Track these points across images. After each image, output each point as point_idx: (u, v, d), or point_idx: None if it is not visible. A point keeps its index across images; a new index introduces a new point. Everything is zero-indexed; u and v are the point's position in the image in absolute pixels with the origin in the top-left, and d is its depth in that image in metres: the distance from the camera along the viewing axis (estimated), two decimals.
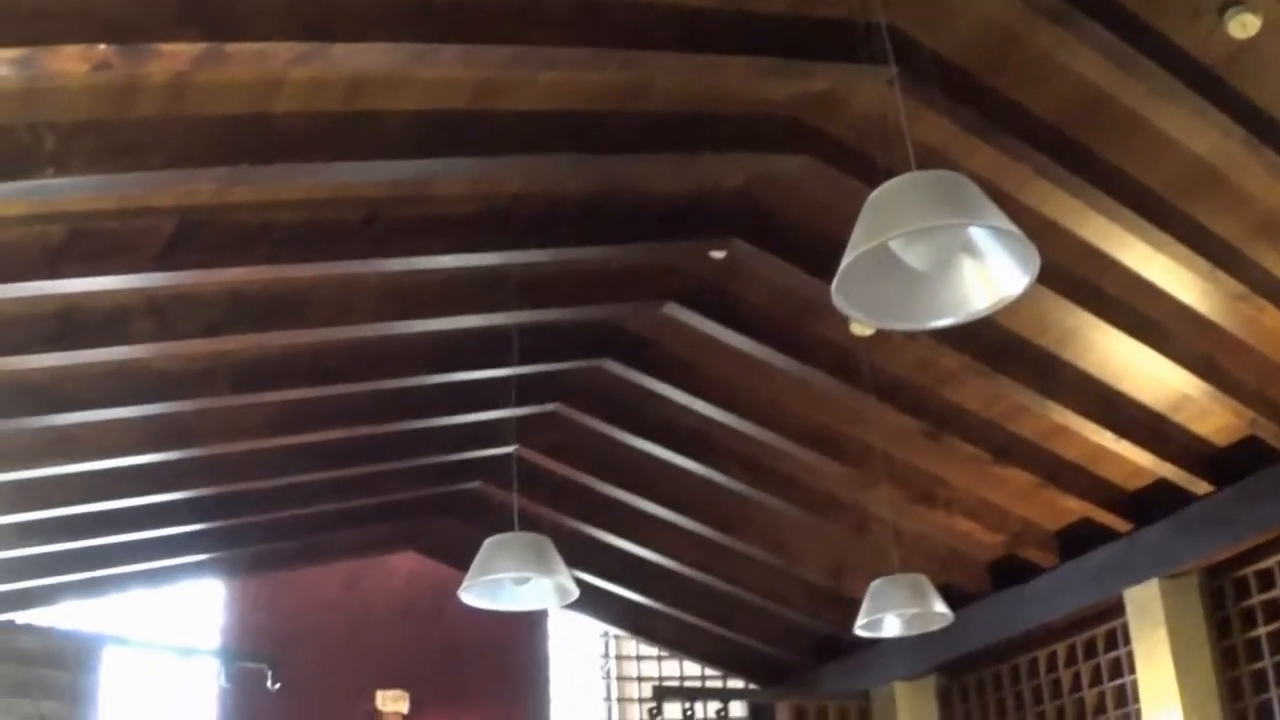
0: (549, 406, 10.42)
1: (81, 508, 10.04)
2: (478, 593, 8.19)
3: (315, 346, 8.72)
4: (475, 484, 12.00)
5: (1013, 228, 4.08)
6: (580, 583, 8.43)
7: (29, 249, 6.66)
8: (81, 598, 12.27)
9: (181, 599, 13.59)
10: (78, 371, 8.10)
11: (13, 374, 7.86)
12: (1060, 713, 11.54)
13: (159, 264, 6.94)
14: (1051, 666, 11.68)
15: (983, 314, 4.43)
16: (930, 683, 13.05)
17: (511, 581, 8.22)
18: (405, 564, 13.79)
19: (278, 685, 12.71)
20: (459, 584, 8.32)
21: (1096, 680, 11.24)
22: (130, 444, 9.28)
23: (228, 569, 13.07)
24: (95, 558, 11.20)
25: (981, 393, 9.35)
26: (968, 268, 4.35)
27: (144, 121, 5.99)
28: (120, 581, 12.15)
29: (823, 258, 6.07)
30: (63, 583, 11.51)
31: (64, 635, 12.47)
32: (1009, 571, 11.43)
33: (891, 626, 9.15)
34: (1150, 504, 10.14)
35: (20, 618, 12.01)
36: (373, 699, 13.29)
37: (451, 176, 7.16)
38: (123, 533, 10.83)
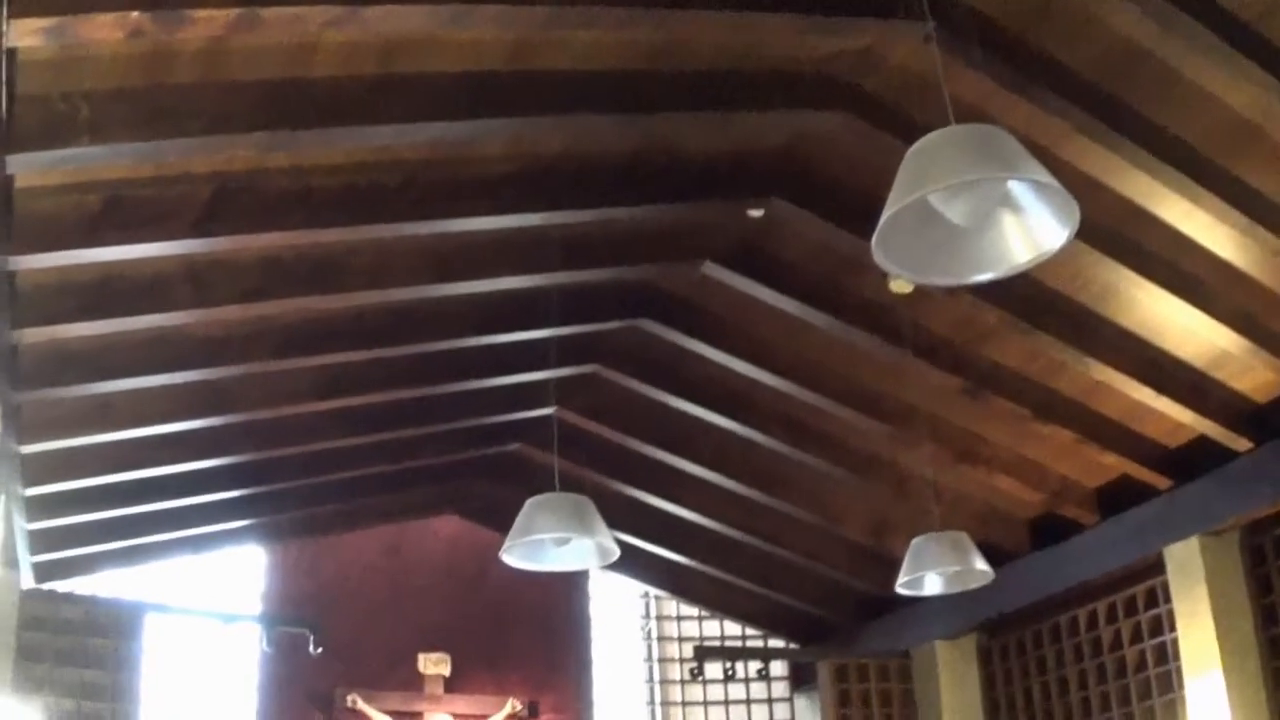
0: (588, 368, 10.42)
1: (122, 475, 10.07)
2: (519, 554, 8.21)
3: (354, 310, 8.74)
4: (515, 446, 12.02)
5: (1052, 181, 4.06)
6: (621, 544, 8.44)
7: (67, 218, 6.68)
8: (123, 566, 12.32)
9: (223, 565, 13.66)
10: (117, 339, 8.12)
11: (53, 342, 7.88)
12: (1100, 670, 11.53)
13: (197, 231, 6.96)
14: (1091, 624, 11.65)
15: (1023, 268, 4.42)
16: (971, 641, 13.05)
17: (552, 542, 8.24)
18: (446, 527, 13.82)
19: (320, 649, 12.76)
20: (500, 546, 8.35)
21: (1136, 638, 11.22)
22: (170, 411, 9.31)
23: (269, 534, 13.11)
24: (137, 525, 11.24)
25: (1021, 350, 9.32)
26: (1007, 222, 4.33)
27: (179, 88, 6.00)
28: (162, 549, 12.20)
29: (861, 215, 6.05)
30: (104, 551, 11.56)
31: (106, 604, 12.53)
32: (1049, 529, 11.40)
33: (932, 584, 9.14)
34: (1190, 461, 10.08)
35: (62, 587, 12.09)
36: (415, 662, 13.34)
37: (489, 138, 7.15)
38: (164, 500, 10.87)
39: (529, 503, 8.04)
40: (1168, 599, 10.59)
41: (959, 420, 10.25)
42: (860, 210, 6.77)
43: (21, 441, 8.66)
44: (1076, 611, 11.75)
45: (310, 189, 7.11)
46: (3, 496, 4.11)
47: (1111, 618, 11.45)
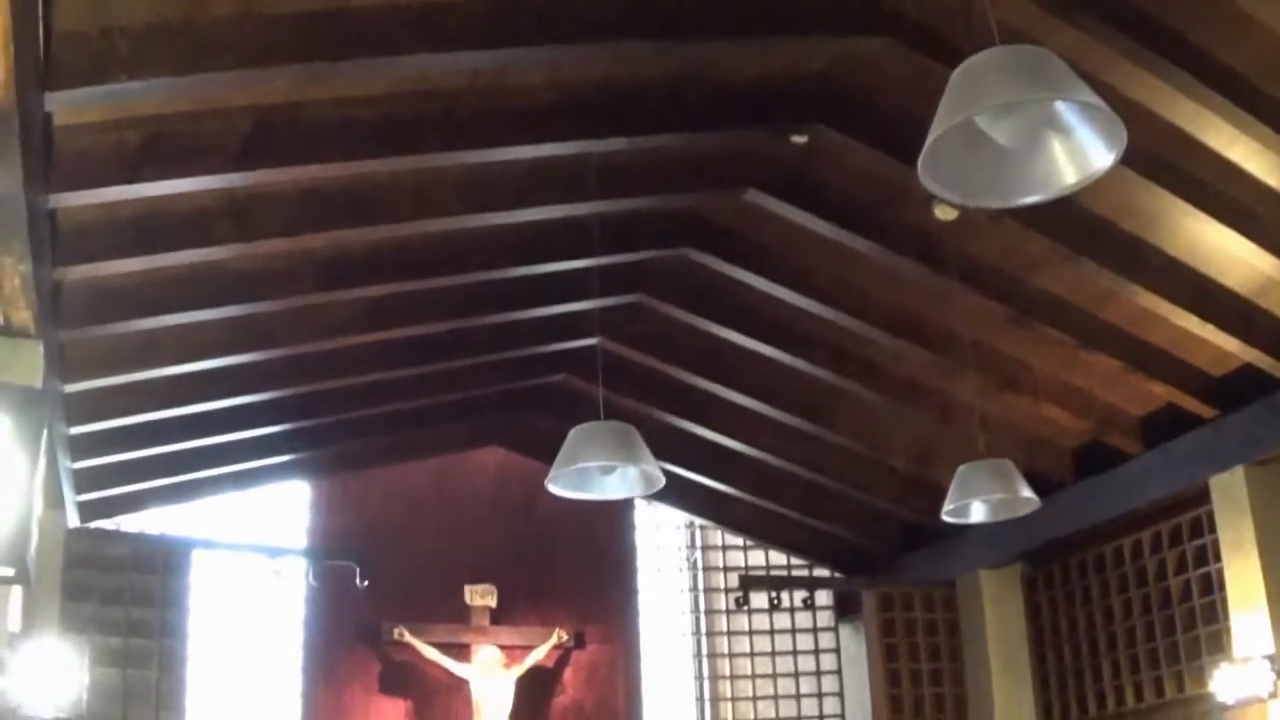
0: (631, 297, 10.39)
1: (166, 412, 10.10)
2: (564, 482, 8.20)
3: (396, 242, 8.72)
4: (560, 377, 12.01)
5: (1099, 102, 4.01)
6: (666, 474, 8.42)
7: (106, 155, 6.66)
8: (168, 503, 12.38)
9: (269, 501, 13.72)
10: (159, 275, 8.12)
11: (94, 280, 7.88)
12: (1145, 601, 11.50)
13: (237, 165, 6.95)
14: (1136, 554, 11.62)
15: (1070, 190, 4.36)
16: (1015, 571, 13.04)
17: (598, 471, 8.23)
18: (492, 459, 13.83)
19: (366, 583, 12.81)
20: (545, 478, 8.34)
21: (1181, 568, 11.18)
22: (213, 346, 9.32)
23: (314, 469, 13.15)
24: (181, 462, 11.28)
25: (1067, 277, 9.25)
26: (1054, 144, 4.27)
27: (217, 22, 5.96)
28: (207, 485, 12.24)
29: (905, 141, 5.99)
30: (149, 489, 11.60)
31: (152, 541, 12.61)
32: (1094, 458, 11.35)
33: (978, 512, 9.10)
34: (1236, 390, 10.01)
35: (108, 525, 12.15)
36: (461, 594, 13.38)
37: (529, 67, 7.11)
38: (208, 436, 10.90)
39: (574, 431, 8.02)
40: (1213, 529, 10.55)
41: (1004, 348, 10.19)
42: (904, 136, 6.71)
43: (65, 380, 8.67)
44: (1121, 541, 11.72)
45: (350, 121, 7.09)
46: (46, 435, 4.11)
47: (1156, 548, 11.41)
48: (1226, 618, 10.32)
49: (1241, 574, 10.06)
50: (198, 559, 12.79)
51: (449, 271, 9.13)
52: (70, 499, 10.79)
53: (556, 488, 8.21)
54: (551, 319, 10.53)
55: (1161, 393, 10.19)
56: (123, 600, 11.91)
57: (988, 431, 9.94)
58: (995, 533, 11.40)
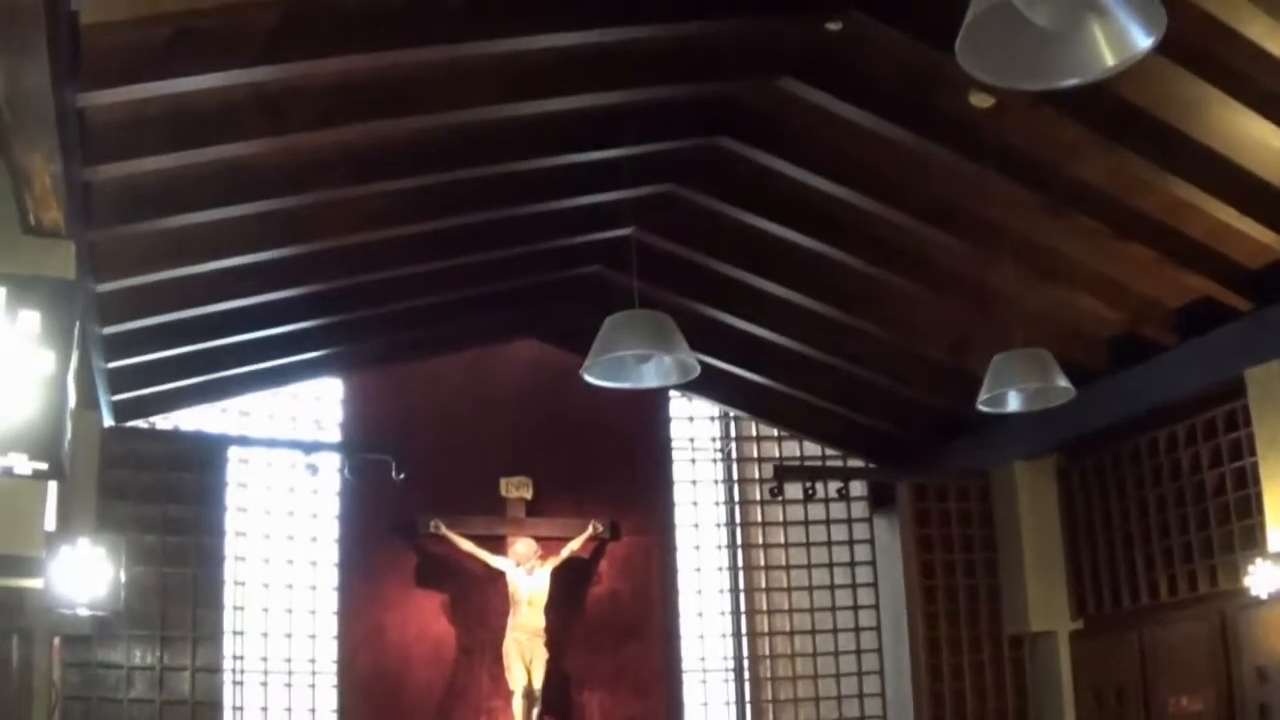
0: (665, 187, 10.36)
1: (199, 309, 10.14)
2: (599, 372, 8.21)
3: (427, 133, 8.68)
4: (594, 268, 11.99)
5: None
6: (700, 364, 8.42)
7: (134, 51, 6.63)
8: (203, 401, 12.45)
9: (303, 396, 13.77)
10: (190, 172, 8.10)
11: (125, 179, 7.86)
12: (1179, 494, 11.46)
13: (266, 58, 6.92)
14: (1171, 447, 11.57)
15: (1110, 72, 4.30)
16: (1050, 463, 13.03)
17: (633, 359, 8.23)
18: (526, 351, 13.84)
19: (401, 476, 12.86)
20: (580, 369, 8.35)
21: (1215, 462, 11.13)
22: (245, 242, 9.33)
23: (348, 364, 13.19)
24: (215, 360, 11.33)
25: (1104, 167, 9.15)
26: (1093, 26, 4.21)
27: None
28: (241, 382, 12.31)
29: (942, 27, 5.89)
30: (183, 387, 11.67)
31: (187, 438, 12.69)
32: (1129, 350, 11.28)
33: (1013, 402, 9.10)
34: (1273, 282, 9.91)
35: (143, 424, 12.20)
36: (497, 486, 13.44)
37: None
38: (241, 333, 10.94)
39: (609, 320, 8.02)
40: (1248, 422, 10.48)
41: (1040, 237, 10.11)
42: (941, 22, 6.58)
43: (97, 280, 8.68)
44: (1156, 434, 11.67)
45: (376, 9, 7.04)
46: (79, 331, 4.12)
47: (1191, 441, 11.37)
48: (1260, 512, 10.27)
49: (1276, 468, 10.01)
50: (233, 456, 12.87)
51: (481, 163, 9.10)
52: (105, 399, 10.84)
53: (592, 377, 8.23)
54: (584, 209, 10.51)
55: (1197, 284, 10.11)
56: (159, 498, 11.99)
57: (1023, 321, 9.89)
58: (1030, 424, 11.37)
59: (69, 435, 4.38)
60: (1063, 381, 8.76)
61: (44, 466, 4.38)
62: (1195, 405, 11.12)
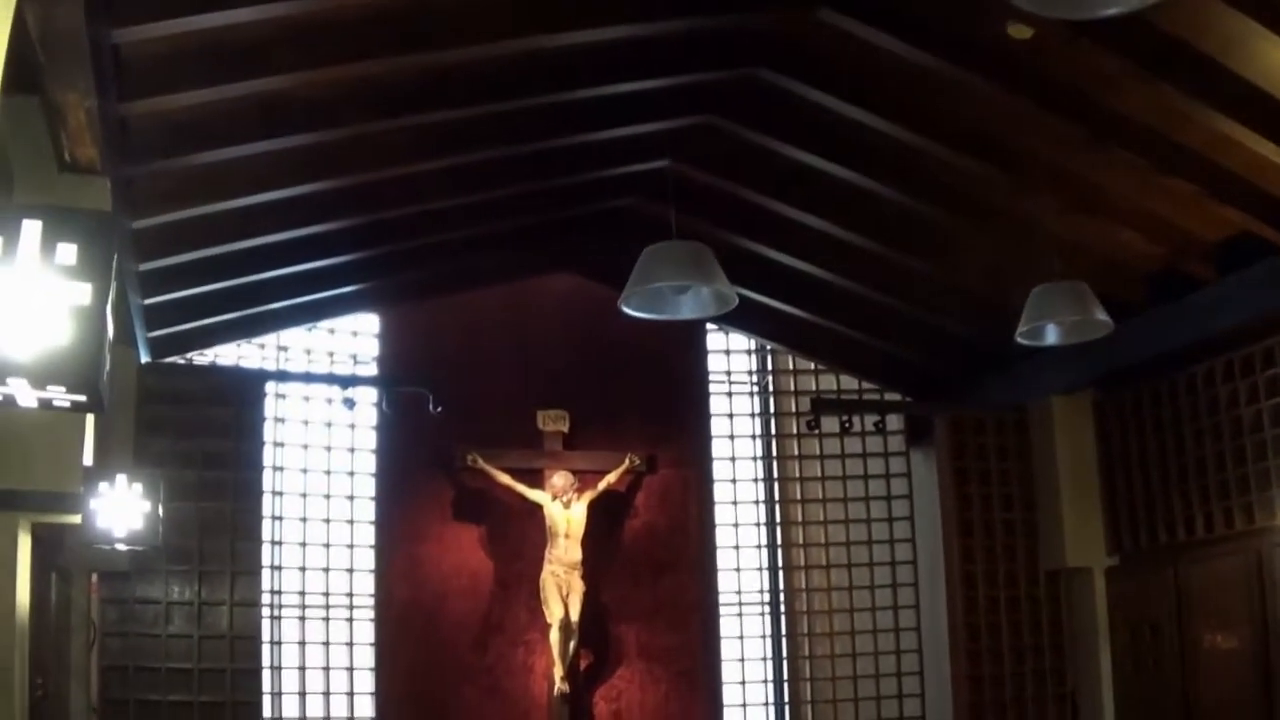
0: (701, 118, 10.31)
1: (234, 245, 10.18)
2: (637, 303, 8.21)
3: (462, 66, 8.66)
4: (630, 201, 11.96)
5: None
6: (737, 297, 8.40)
7: None
8: (240, 337, 12.51)
9: (341, 331, 13.80)
10: (224, 107, 8.12)
11: (160, 114, 7.87)
12: (1216, 430, 11.43)
13: None
14: (1209, 383, 11.53)
15: (1151, 1, 4.27)
16: (1087, 397, 13.00)
17: (671, 290, 8.22)
18: (562, 285, 13.84)
19: (439, 409, 12.91)
20: (616, 302, 8.34)
21: (1253, 398, 11.09)
22: (281, 176, 9.35)
23: (384, 298, 13.21)
24: (251, 295, 11.38)
25: (1144, 100, 9.07)
26: None
27: None
28: (278, 318, 12.36)
29: None
30: (220, 322, 11.73)
31: (225, 373, 12.76)
32: (1168, 284, 11.21)
33: (1052, 334, 9.09)
34: None
35: (180, 360, 12.25)
36: (534, 419, 13.48)
37: None
38: (277, 268, 10.98)
39: (646, 251, 8.01)
40: None
41: (1079, 170, 10.05)
42: None
43: (133, 216, 8.70)
44: (1193, 369, 11.63)
45: None
46: (116, 261, 4.13)
47: (1228, 377, 11.32)
48: None
49: None
50: (270, 391, 12.93)
51: (515, 95, 9.08)
52: (141, 335, 10.90)
53: (629, 308, 8.22)
54: (620, 141, 10.49)
55: (1237, 219, 10.03)
56: (196, 434, 12.06)
57: (1061, 255, 9.85)
58: (1067, 358, 11.36)
59: (107, 367, 4.40)
60: (1101, 315, 8.73)
61: (82, 399, 4.39)
62: (1234, 340, 11.08)
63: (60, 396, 4.41)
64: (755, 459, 15.25)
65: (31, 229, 4.26)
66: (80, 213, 4.44)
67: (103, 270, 4.26)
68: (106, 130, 7.06)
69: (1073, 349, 9.93)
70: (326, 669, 13.23)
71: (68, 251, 4.25)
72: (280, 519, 13.09)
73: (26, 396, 4.41)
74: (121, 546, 9.87)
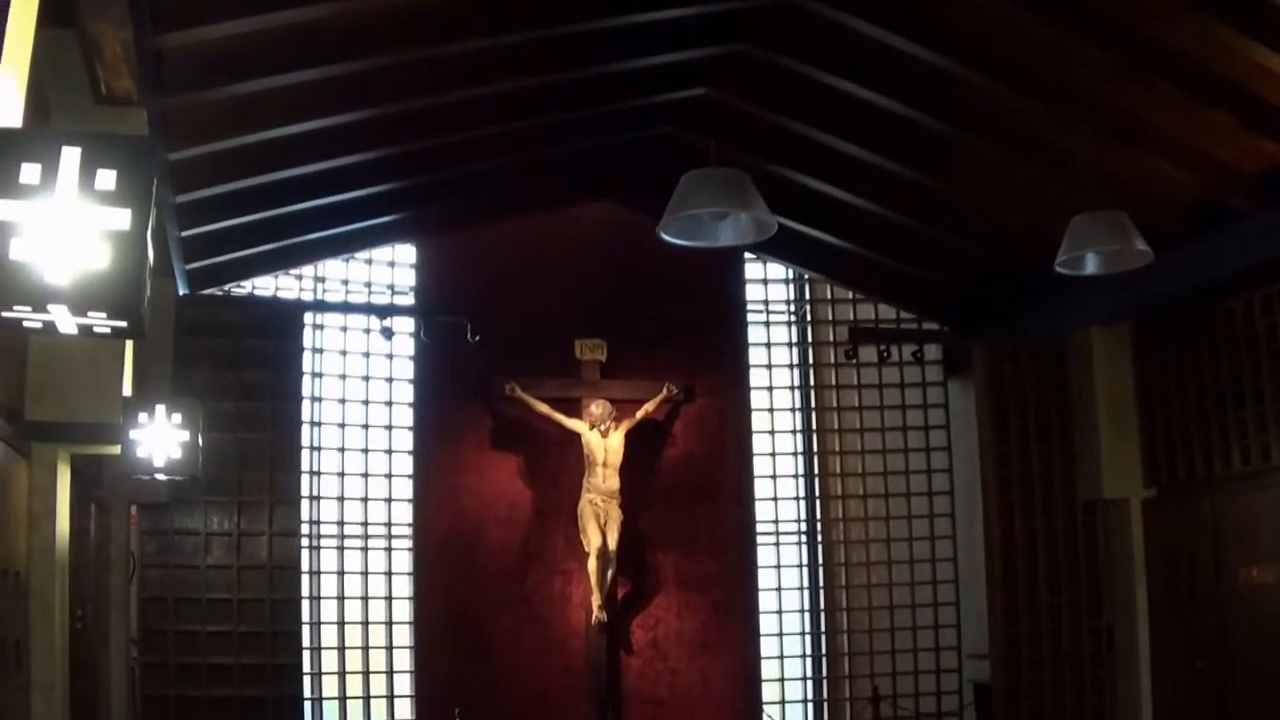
0: (738, 46, 10.27)
1: (271, 175, 10.19)
2: (676, 230, 8.18)
3: None
4: (667, 129, 11.93)
5: None
6: (777, 224, 8.38)
7: None
8: (277, 269, 12.54)
9: (378, 262, 13.82)
10: (259, 37, 8.09)
11: (195, 45, 7.85)
12: (1255, 364, 11.36)
13: None
14: (1247, 316, 11.46)
15: None
16: (1126, 329, 12.95)
17: (709, 218, 8.20)
18: (599, 214, 13.82)
19: (477, 338, 12.94)
20: (654, 232, 8.33)
21: None
22: (317, 107, 9.35)
23: (420, 228, 13.23)
24: (288, 226, 11.41)
25: (1184, 31, 8.97)
26: None
27: None
28: (315, 249, 12.39)
29: None
30: (257, 254, 11.76)
31: (263, 304, 12.81)
32: (1207, 216, 11.08)
33: (1091, 264, 9.04)
34: None
35: (217, 292, 12.28)
36: (571, 349, 13.50)
37: None
38: (314, 199, 11.00)
39: (685, 178, 7.98)
40: None
41: (1119, 101, 9.96)
42: None
43: (169, 148, 8.71)
44: (1232, 302, 11.57)
45: None
46: (156, 186, 4.14)
47: (1267, 310, 11.25)
48: None
49: None
50: (308, 321, 12.97)
51: (552, 22, 9.05)
52: (179, 268, 10.93)
53: (668, 235, 8.20)
54: (657, 69, 10.45)
55: (1276, 152, 9.94)
56: (235, 365, 12.16)
57: (1101, 185, 9.79)
58: (1106, 290, 11.31)
59: (148, 293, 4.41)
60: (1141, 245, 8.69)
61: (123, 324, 4.41)
62: (1274, 274, 10.99)
63: (100, 323, 4.43)
64: (793, 388, 15.28)
65: (71, 155, 4.28)
66: (119, 138, 4.44)
67: (142, 195, 4.27)
68: (142, 62, 7.07)
69: (1111, 281, 9.88)
70: (365, 598, 13.35)
71: (107, 177, 4.27)
72: (318, 449, 13.19)
73: (66, 323, 4.43)
74: (161, 476, 9.95)
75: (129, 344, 8.54)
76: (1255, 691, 11.19)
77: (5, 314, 4.32)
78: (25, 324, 4.43)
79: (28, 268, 4.19)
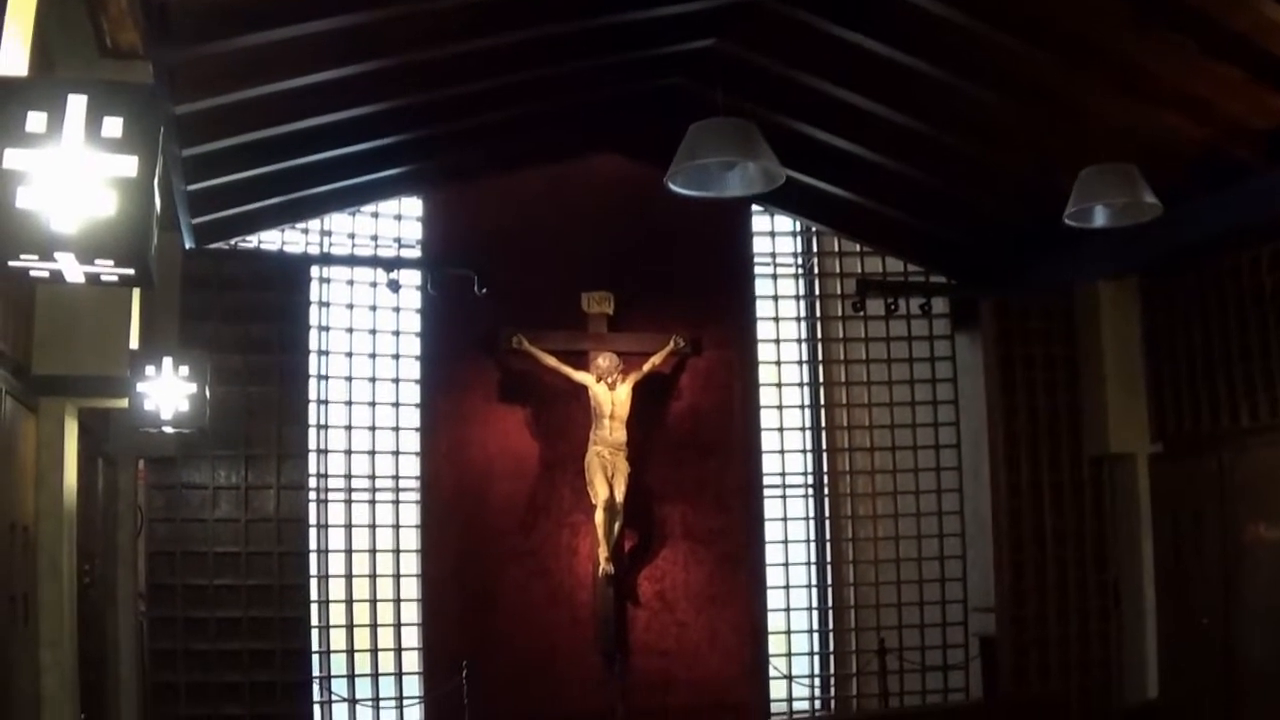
0: None
1: (277, 128, 10.16)
2: (683, 180, 8.17)
3: None
4: (675, 80, 11.89)
5: None
6: (785, 174, 8.36)
7: None
8: (284, 222, 12.53)
9: (384, 215, 13.79)
10: None
11: None
12: (1262, 319, 11.37)
13: None
14: (1254, 270, 11.45)
15: None
16: (1133, 283, 12.96)
17: (717, 167, 8.18)
18: (607, 166, 13.78)
19: (484, 291, 12.93)
20: (661, 184, 8.31)
21: None
22: (322, 58, 9.31)
23: (427, 181, 13.20)
24: (295, 179, 11.39)
25: None
26: None
27: None
28: (321, 202, 12.38)
29: None
30: (264, 208, 11.75)
31: (270, 257, 12.78)
32: (1215, 171, 11.03)
33: (1100, 216, 9.02)
34: None
35: (224, 245, 12.27)
36: (578, 301, 13.49)
37: None
38: (321, 151, 10.97)
39: (693, 127, 7.96)
40: None
41: (1127, 52, 9.91)
42: None
43: (175, 101, 8.67)
44: (1240, 257, 11.55)
45: None
46: (160, 150, 4.14)
47: (1275, 264, 11.24)
48: None
49: None
50: (315, 275, 12.96)
51: None
52: (185, 222, 10.90)
53: (676, 185, 8.18)
54: (666, 20, 10.40)
55: None
56: (241, 318, 12.14)
57: (1109, 138, 9.75)
58: (1113, 244, 11.29)
59: (155, 241, 4.41)
60: (1150, 198, 8.67)
61: (130, 272, 4.40)
62: None
63: (108, 271, 4.43)
64: (800, 341, 15.25)
65: (77, 104, 4.28)
66: (125, 86, 4.44)
67: (149, 143, 4.26)
68: (147, 14, 7.05)
69: (1119, 235, 9.86)
70: (373, 551, 13.37)
71: (113, 125, 4.26)
72: (326, 403, 13.19)
73: (74, 271, 4.43)
74: (168, 429, 9.95)
75: (136, 298, 8.51)
76: (1261, 647, 11.21)
77: (12, 263, 4.32)
78: (32, 273, 4.43)
79: (35, 216, 4.19)
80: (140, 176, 4.23)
